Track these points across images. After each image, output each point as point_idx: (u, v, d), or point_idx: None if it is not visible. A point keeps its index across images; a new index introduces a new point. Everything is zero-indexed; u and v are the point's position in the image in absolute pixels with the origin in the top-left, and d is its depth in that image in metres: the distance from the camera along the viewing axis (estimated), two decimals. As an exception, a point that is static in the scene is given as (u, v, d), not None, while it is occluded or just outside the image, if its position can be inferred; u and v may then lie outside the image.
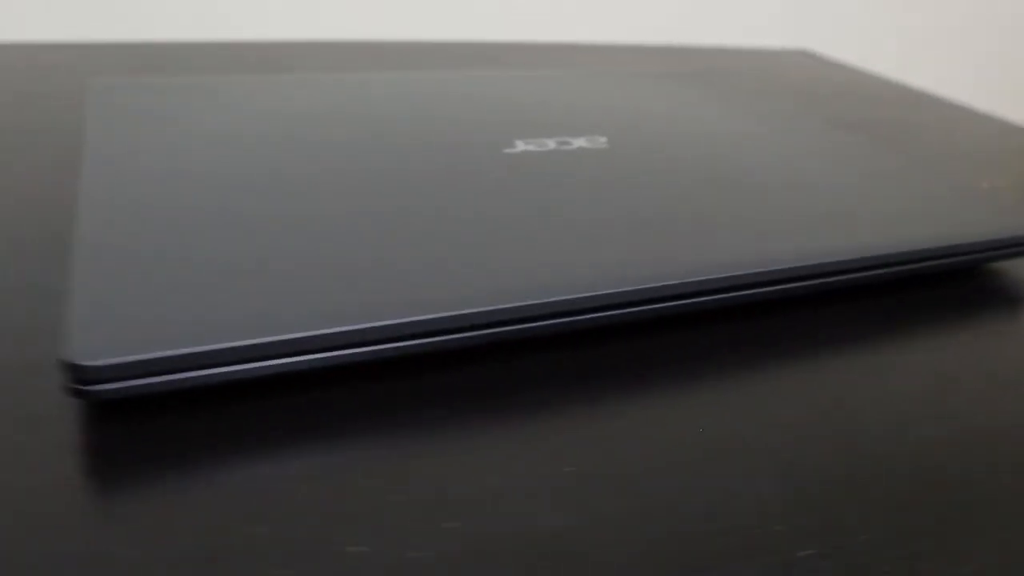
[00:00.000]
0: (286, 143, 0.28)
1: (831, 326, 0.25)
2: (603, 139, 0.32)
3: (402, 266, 0.21)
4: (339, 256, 0.21)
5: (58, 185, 0.29)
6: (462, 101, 0.35)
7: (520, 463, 0.18)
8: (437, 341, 0.20)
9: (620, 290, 0.22)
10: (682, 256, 0.24)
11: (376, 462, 0.18)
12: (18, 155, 0.32)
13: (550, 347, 0.22)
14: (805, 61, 0.65)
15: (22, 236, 0.26)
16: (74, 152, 0.32)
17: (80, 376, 0.17)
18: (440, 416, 0.19)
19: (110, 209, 0.22)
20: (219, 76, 0.35)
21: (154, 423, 0.18)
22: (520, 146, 0.30)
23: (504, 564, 0.16)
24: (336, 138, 0.29)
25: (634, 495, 0.18)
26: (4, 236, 0.26)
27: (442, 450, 0.18)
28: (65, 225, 0.26)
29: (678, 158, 0.31)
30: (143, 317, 0.18)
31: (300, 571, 0.15)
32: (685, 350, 0.23)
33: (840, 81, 0.59)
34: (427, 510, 0.17)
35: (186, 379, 0.18)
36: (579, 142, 0.31)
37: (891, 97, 0.56)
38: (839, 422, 0.21)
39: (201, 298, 0.19)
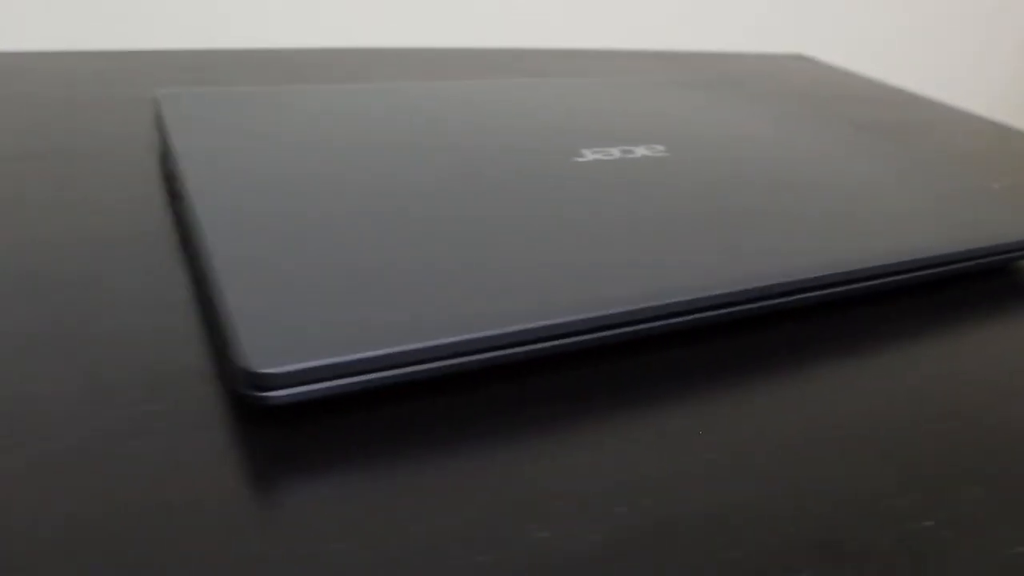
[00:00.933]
0: (372, 151, 0.29)
1: (898, 320, 0.27)
2: (660, 147, 0.34)
3: (530, 271, 0.22)
4: (462, 263, 0.23)
5: (142, 196, 0.30)
6: (517, 110, 0.36)
7: (660, 452, 0.20)
8: (575, 341, 0.21)
9: (737, 289, 0.23)
10: (777, 257, 0.25)
11: (539, 452, 0.19)
12: (92, 163, 0.32)
13: (670, 344, 0.24)
14: (803, 65, 0.68)
15: (124, 245, 0.26)
16: (144, 159, 0.32)
17: (258, 383, 0.18)
18: (585, 408, 0.21)
19: (232, 221, 0.23)
20: (285, 86, 0.36)
21: (320, 425, 0.19)
22: (588, 155, 0.32)
23: (676, 541, 0.17)
24: (419, 147, 0.30)
25: (763, 478, 0.19)
26: (105, 243, 0.26)
27: (591, 442, 0.20)
28: (155, 232, 0.27)
29: (736, 164, 0.33)
30: (308, 326, 0.19)
31: (498, 557, 0.16)
32: (789, 344, 0.25)
33: (839, 84, 0.62)
34: (596, 495, 0.18)
35: (353, 383, 0.19)
36: (640, 150, 0.33)
37: (888, 100, 0.59)
38: (936, 405, 0.23)
39: (354, 305, 0.20)
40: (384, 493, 0.18)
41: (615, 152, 0.32)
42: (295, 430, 0.19)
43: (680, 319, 0.23)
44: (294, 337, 0.19)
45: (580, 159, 0.31)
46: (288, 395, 0.18)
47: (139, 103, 0.41)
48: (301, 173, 0.27)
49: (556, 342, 0.21)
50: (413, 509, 0.17)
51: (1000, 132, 0.53)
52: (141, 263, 0.26)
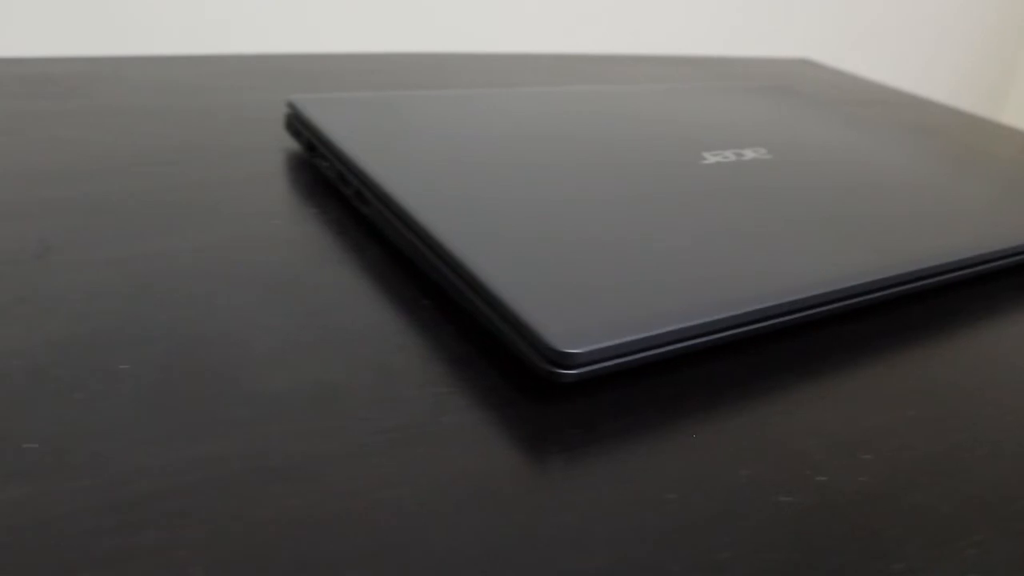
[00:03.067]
0: (535, 155, 0.32)
1: (991, 300, 0.31)
2: (763, 150, 0.37)
3: (736, 260, 0.26)
4: (683, 254, 0.26)
5: (298, 199, 0.32)
6: (624, 114, 0.39)
7: (869, 412, 0.23)
8: (793, 318, 0.25)
9: (888, 276, 0.27)
10: (901, 248, 0.29)
11: (799, 407, 0.23)
12: (232, 169, 0.34)
13: (849, 320, 0.27)
14: (811, 69, 0.73)
15: (309, 247, 0.28)
16: (274, 165, 0.34)
17: (562, 362, 0.21)
18: (812, 372, 0.24)
19: (460, 221, 0.26)
20: (418, 91, 0.38)
21: (603, 397, 0.22)
22: (709, 158, 0.35)
23: (906, 481, 0.21)
24: (573, 151, 0.33)
25: (943, 438, 0.23)
26: (286, 245, 0.28)
27: (827, 401, 0.23)
28: (337, 232, 0.29)
29: (835, 165, 0.37)
30: (594, 311, 0.22)
31: (796, 498, 0.20)
32: (934, 317, 0.29)
33: (850, 88, 0.67)
34: (852, 444, 0.22)
35: (634, 360, 0.22)
36: (748, 153, 0.36)
37: (900, 102, 0.64)
38: (1059, 370, 0.27)
39: (613, 295, 0.23)
40: (683, 446, 0.21)
41: (730, 155, 0.36)
42: (587, 402, 0.22)
43: (867, 297, 0.27)
44: (584, 323, 0.22)
45: (705, 161, 0.35)
46: (581, 373, 0.21)
47: (235, 107, 0.42)
48: (490, 173, 0.30)
49: (789, 317, 0.25)
50: (715, 462, 0.20)
51: (1005, 133, 0.59)
52: (336, 263, 0.28)
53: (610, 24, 0.88)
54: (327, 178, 0.34)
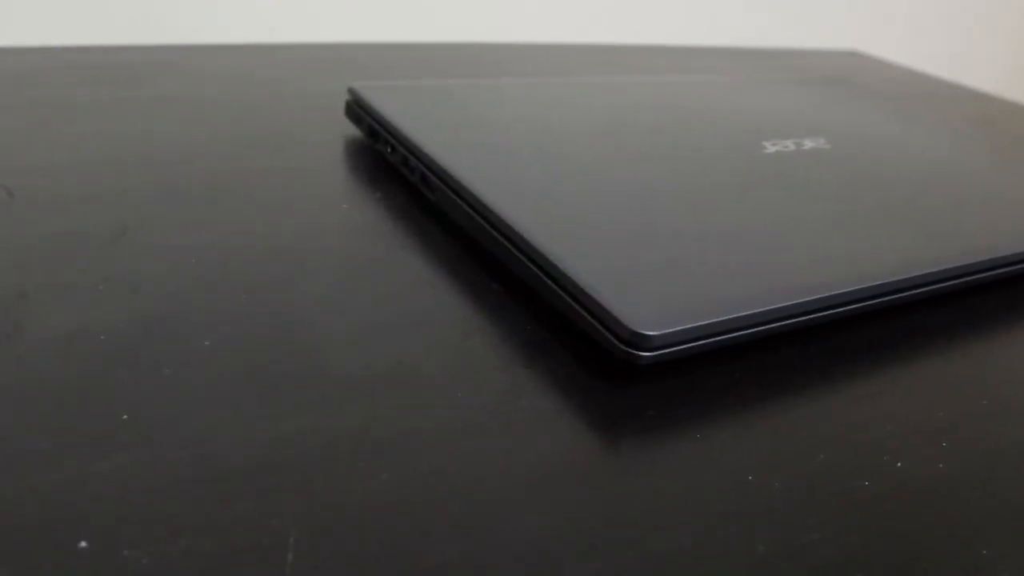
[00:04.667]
0: (598, 143, 0.32)
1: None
2: (822, 139, 0.37)
3: (805, 248, 0.26)
4: (752, 241, 0.26)
5: (357, 186, 0.32)
6: (684, 105, 0.39)
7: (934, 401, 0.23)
8: (865, 305, 0.25)
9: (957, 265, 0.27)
10: (967, 237, 0.29)
11: (877, 394, 0.22)
12: (295, 157, 0.34)
13: (912, 311, 0.27)
14: (860, 62, 0.72)
15: (382, 232, 0.29)
16: (336, 151, 0.35)
17: (640, 344, 0.21)
18: (885, 360, 0.24)
19: (531, 206, 0.26)
20: (478, 79, 0.38)
21: (682, 382, 0.22)
22: (769, 147, 0.35)
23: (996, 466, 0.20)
24: (635, 140, 0.33)
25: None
26: (361, 232, 0.29)
27: (887, 390, 0.23)
28: (401, 218, 0.29)
29: (895, 155, 0.36)
30: (665, 296, 0.22)
31: (871, 484, 0.19)
32: (997, 309, 0.28)
33: (902, 79, 0.66)
34: (928, 431, 0.21)
35: (711, 343, 0.22)
36: (808, 143, 0.36)
37: (951, 94, 0.63)
38: None
39: (689, 279, 0.23)
40: (760, 429, 0.21)
41: (790, 145, 0.36)
42: (663, 386, 0.22)
43: (937, 286, 0.27)
44: (662, 306, 0.22)
45: (766, 151, 0.34)
46: (659, 355, 0.21)
47: (295, 95, 0.42)
48: (556, 160, 0.30)
49: (861, 304, 0.25)
50: (793, 446, 0.20)
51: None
52: (405, 248, 0.28)
53: (648, 16, 0.87)
54: (390, 164, 0.34)
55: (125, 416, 0.19)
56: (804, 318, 0.24)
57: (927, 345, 0.26)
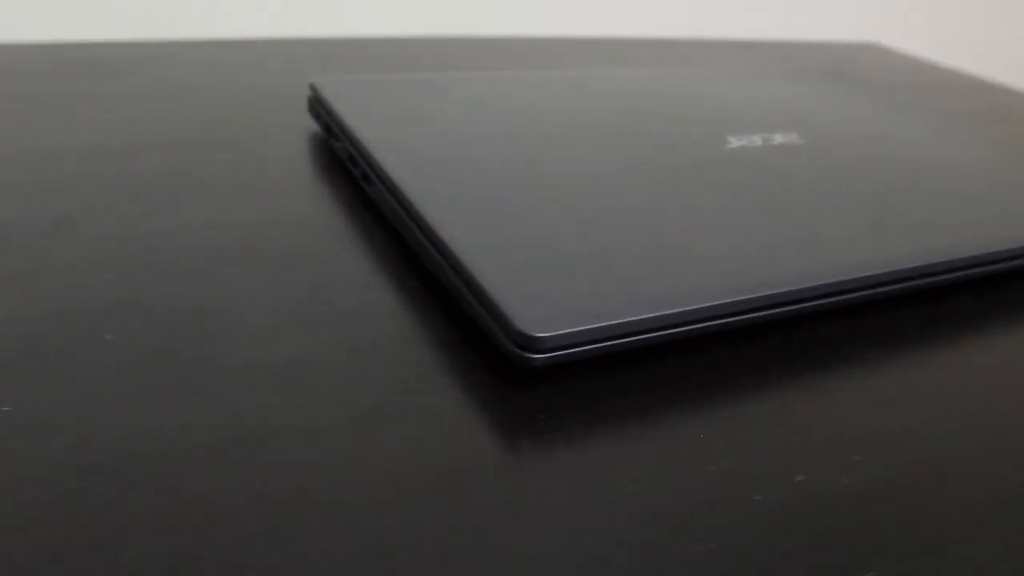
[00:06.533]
0: (543, 137, 0.31)
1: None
2: (794, 134, 0.36)
3: (738, 246, 0.25)
4: (675, 241, 0.25)
5: (313, 178, 0.32)
6: (652, 98, 0.38)
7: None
8: (783, 311, 0.24)
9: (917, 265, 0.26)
10: (929, 238, 0.28)
11: (786, 404, 0.21)
12: (255, 149, 0.34)
13: (870, 312, 0.26)
14: (875, 54, 0.69)
15: (315, 226, 0.29)
16: (296, 146, 0.35)
17: (529, 346, 0.20)
18: (822, 365, 0.23)
19: (450, 204, 0.26)
20: (432, 74, 0.38)
21: (579, 386, 0.22)
22: (733, 142, 0.34)
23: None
24: (588, 133, 0.32)
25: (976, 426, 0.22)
26: (296, 224, 0.29)
27: (813, 397, 0.22)
28: (343, 213, 0.29)
29: (871, 152, 0.35)
30: (566, 296, 0.21)
31: (769, 499, 0.19)
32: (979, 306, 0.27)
33: (911, 72, 0.63)
34: (839, 444, 0.20)
35: (611, 346, 0.21)
36: (779, 138, 0.35)
37: (959, 85, 0.60)
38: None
39: (595, 278, 0.22)
40: (653, 438, 0.20)
41: (757, 140, 0.34)
42: (559, 389, 0.22)
43: (862, 293, 0.25)
44: (557, 306, 0.21)
45: (729, 146, 0.33)
46: (550, 358, 0.21)
47: (267, 90, 0.43)
48: (492, 156, 0.29)
49: (778, 310, 0.24)
50: (686, 457, 0.20)
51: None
52: (342, 243, 0.28)
53: (666, 8, 0.86)
54: (341, 159, 0.34)
55: (7, 408, 0.19)
56: (717, 322, 0.23)
57: (844, 353, 0.25)
